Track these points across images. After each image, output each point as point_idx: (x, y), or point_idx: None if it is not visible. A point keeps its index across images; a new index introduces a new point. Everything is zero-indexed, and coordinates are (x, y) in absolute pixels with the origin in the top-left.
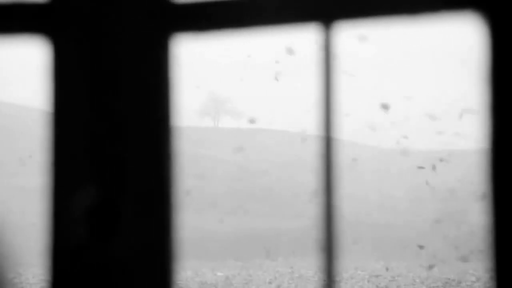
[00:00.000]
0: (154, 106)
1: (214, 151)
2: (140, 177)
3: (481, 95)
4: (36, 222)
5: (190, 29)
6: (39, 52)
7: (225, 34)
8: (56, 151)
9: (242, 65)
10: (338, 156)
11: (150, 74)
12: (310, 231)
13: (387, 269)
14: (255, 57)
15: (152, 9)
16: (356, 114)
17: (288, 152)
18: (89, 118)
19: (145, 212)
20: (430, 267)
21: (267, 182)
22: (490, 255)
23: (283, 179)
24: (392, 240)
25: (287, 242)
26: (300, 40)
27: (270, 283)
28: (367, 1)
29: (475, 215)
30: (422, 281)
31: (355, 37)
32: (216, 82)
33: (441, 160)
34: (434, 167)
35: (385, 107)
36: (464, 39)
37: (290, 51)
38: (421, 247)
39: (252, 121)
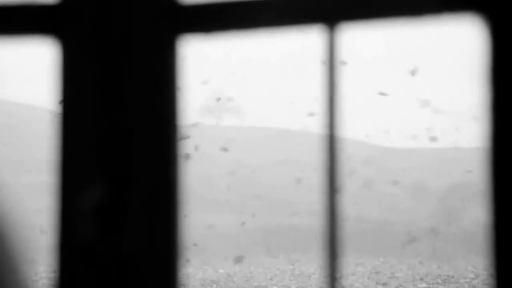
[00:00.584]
0: (161, 105)
1: (215, 148)
2: (147, 175)
3: (482, 94)
4: (39, 220)
5: (197, 30)
6: (48, 53)
7: (231, 35)
8: (64, 149)
9: (246, 65)
10: (342, 154)
11: (158, 74)
12: (311, 228)
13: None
14: (260, 56)
15: (160, 10)
16: (355, 111)
17: (290, 150)
18: (97, 117)
19: (152, 210)
20: (411, 240)
21: (268, 179)
22: (490, 252)
23: (284, 177)
24: (392, 237)
25: (288, 240)
26: (305, 40)
27: (271, 280)
28: (371, 3)
29: (475, 213)
30: (421, 278)
31: (358, 37)
32: (220, 81)
33: (441, 158)
34: (433, 164)
35: (382, 94)
36: (465, 40)
37: (295, 51)
38: (410, 240)
39: (255, 119)
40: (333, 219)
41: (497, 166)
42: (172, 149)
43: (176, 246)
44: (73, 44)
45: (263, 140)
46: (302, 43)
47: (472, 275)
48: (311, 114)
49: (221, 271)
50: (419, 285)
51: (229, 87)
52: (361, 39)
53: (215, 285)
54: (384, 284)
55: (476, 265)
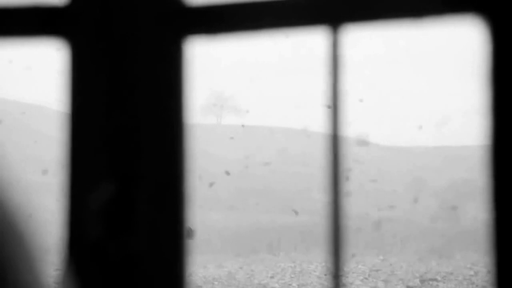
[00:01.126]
0: (168, 105)
1: (217, 147)
2: (154, 174)
3: (483, 94)
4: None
5: (202, 32)
6: (56, 54)
7: (236, 36)
8: (73, 149)
9: (252, 65)
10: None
11: (164, 74)
12: (311, 226)
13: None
14: (265, 57)
15: (165, 11)
16: (356, 111)
17: (291, 149)
18: (105, 117)
19: (160, 207)
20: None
21: (270, 178)
22: (490, 250)
23: (286, 176)
24: (391, 235)
25: (289, 238)
26: (309, 41)
27: (272, 277)
28: (374, 5)
29: (475, 211)
30: (421, 275)
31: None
32: (225, 81)
33: (442, 156)
34: (434, 162)
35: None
36: (466, 41)
37: (299, 52)
38: (410, 238)
39: (258, 119)
40: (337, 217)
41: (497, 163)
42: (178, 148)
43: (183, 243)
44: (81, 45)
45: (266, 138)
46: (306, 43)
47: (471, 272)
48: (315, 114)
49: (222, 268)
50: (419, 282)
51: (233, 88)
52: (364, 40)
53: (216, 282)
54: (385, 281)
55: (475, 262)
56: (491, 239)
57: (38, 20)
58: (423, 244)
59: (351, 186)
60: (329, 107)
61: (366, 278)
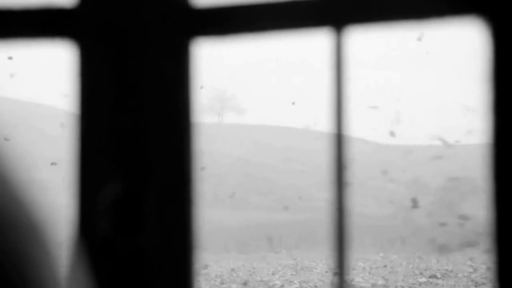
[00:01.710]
0: (175, 105)
1: (219, 145)
2: (163, 172)
3: (484, 93)
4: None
5: (210, 33)
6: (65, 55)
7: (242, 38)
8: (82, 147)
9: (256, 67)
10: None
11: (172, 75)
12: (313, 224)
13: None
14: (269, 59)
15: (174, 13)
16: (356, 111)
17: (292, 148)
18: (113, 116)
19: (168, 204)
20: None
21: (271, 176)
22: (490, 247)
23: (287, 174)
24: (391, 232)
25: (290, 235)
26: (313, 43)
27: (273, 274)
28: (377, 6)
29: (475, 208)
30: (421, 272)
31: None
32: (228, 81)
33: (442, 154)
34: (434, 161)
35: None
36: (468, 42)
37: (303, 54)
38: (409, 235)
39: (260, 119)
40: (341, 214)
41: (498, 162)
42: (186, 146)
43: (192, 240)
44: (90, 46)
45: (269, 137)
46: (310, 45)
47: (470, 269)
48: (318, 114)
49: (224, 265)
50: (419, 279)
51: (237, 88)
52: (367, 41)
53: (219, 279)
54: (384, 278)
55: (474, 259)
56: (492, 237)
57: (47, 21)
58: (423, 242)
59: (353, 183)
60: (331, 106)
61: (369, 273)
